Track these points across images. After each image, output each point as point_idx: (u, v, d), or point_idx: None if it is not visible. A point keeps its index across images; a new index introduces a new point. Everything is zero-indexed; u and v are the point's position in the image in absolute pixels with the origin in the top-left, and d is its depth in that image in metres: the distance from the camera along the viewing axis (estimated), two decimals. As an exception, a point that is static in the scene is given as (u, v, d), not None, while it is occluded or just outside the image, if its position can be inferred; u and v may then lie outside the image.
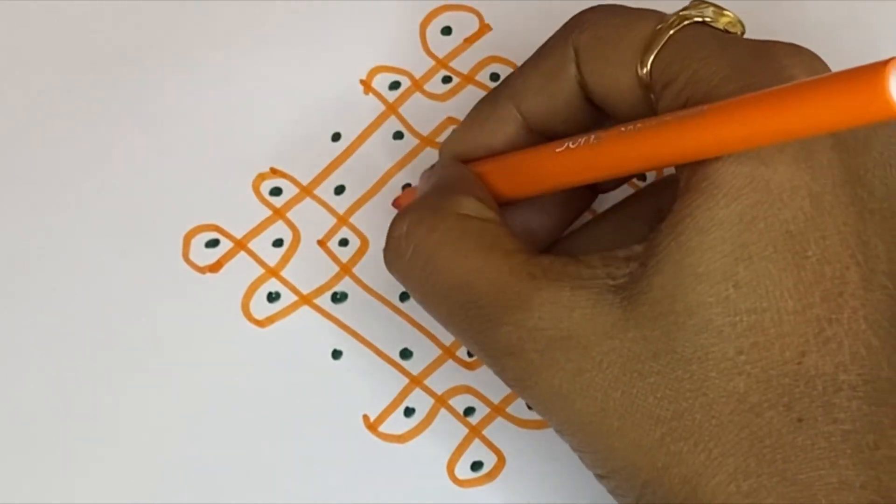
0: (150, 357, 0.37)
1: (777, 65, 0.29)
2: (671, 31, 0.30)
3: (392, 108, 0.41)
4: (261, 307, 0.38)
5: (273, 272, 0.39)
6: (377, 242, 0.39)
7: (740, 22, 0.31)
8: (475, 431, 0.37)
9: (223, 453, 0.36)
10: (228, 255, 0.39)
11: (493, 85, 0.41)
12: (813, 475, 0.27)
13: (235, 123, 0.41)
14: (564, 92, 0.33)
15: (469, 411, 0.37)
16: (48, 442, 0.36)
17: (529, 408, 0.37)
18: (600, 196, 0.37)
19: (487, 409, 0.37)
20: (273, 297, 0.38)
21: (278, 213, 0.39)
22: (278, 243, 0.39)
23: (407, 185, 0.39)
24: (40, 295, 0.38)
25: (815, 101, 0.25)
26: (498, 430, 0.36)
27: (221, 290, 0.38)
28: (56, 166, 0.40)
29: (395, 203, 0.39)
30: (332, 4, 0.42)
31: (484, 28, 0.42)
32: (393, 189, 0.40)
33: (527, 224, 0.35)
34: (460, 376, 0.37)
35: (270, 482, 0.36)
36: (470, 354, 0.37)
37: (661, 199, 0.30)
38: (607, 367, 0.28)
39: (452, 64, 0.41)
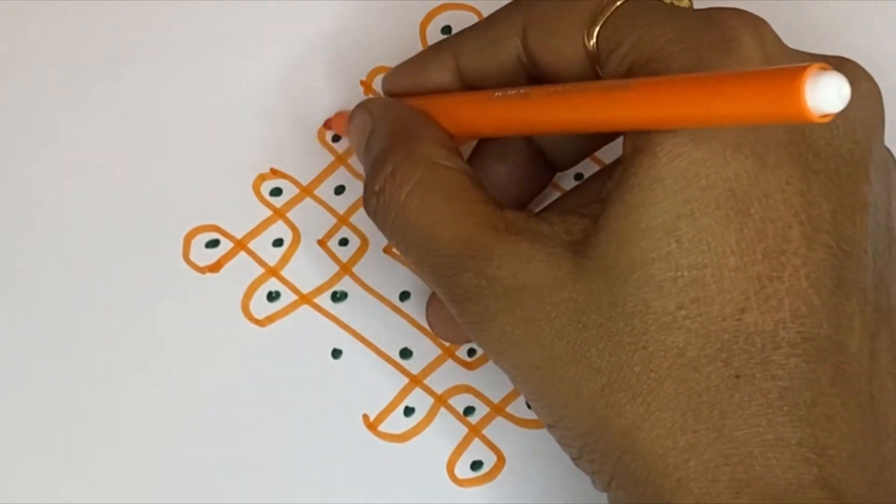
0: (151, 357, 0.37)
1: (722, 27, 0.29)
2: (618, 3, 0.31)
3: (392, 109, 0.41)
4: (261, 306, 0.38)
5: (273, 272, 0.39)
6: (377, 242, 0.39)
7: (690, 1, 0.32)
8: (475, 431, 0.36)
9: (223, 453, 0.36)
10: (228, 256, 0.39)
11: (492, 85, 0.41)
12: (749, 431, 0.27)
13: (235, 123, 0.41)
14: (502, 59, 0.33)
15: (469, 411, 0.37)
16: (48, 442, 0.36)
17: (528, 407, 0.37)
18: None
19: (487, 409, 0.37)
20: (273, 296, 0.38)
21: (278, 214, 0.39)
22: (278, 243, 0.39)
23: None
24: (40, 295, 0.38)
25: (735, 94, 0.25)
26: (498, 430, 0.36)
27: (221, 289, 0.38)
28: (56, 165, 0.40)
29: (326, 124, 0.40)
30: (332, 4, 0.42)
31: (484, 28, 0.42)
32: (393, 190, 0.40)
33: (489, 178, 0.36)
34: (460, 376, 0.37)
35: (270, 482, 0.36)
36: (470, 354, 0.37)
37: None
38: (556, 317, 0.29)
39: (452, 64, 0.41)
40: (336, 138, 0.40)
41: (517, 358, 0.30)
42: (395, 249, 0.33)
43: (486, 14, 0.41)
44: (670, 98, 0.27)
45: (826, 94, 0.23)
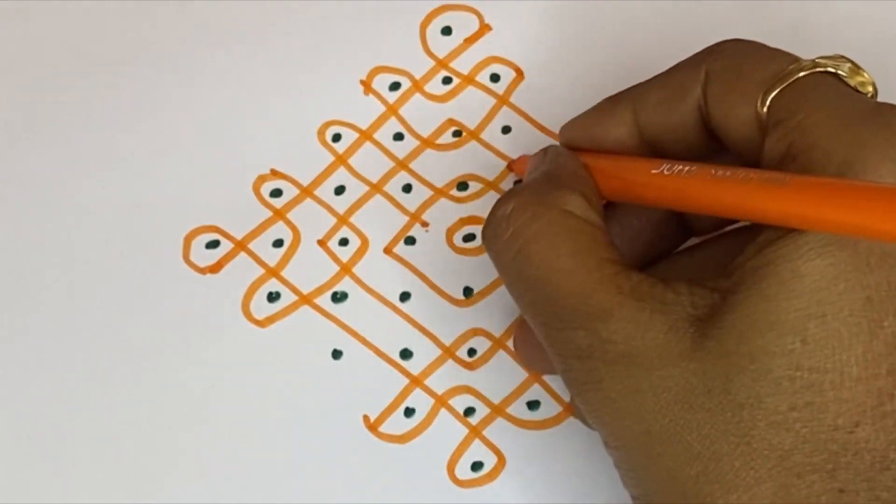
0: (151, 357, 0.37)
1: (889, 130, 0.28)
2: (800, 74, 0.29)
3: (392, 110, 0.41)
4: (261, 307, 0.38)
5: (273, 272, 0.38)
6: (377, 242, 0.39)
7: (873, 84, 0.31)
8: (475, 432, 0.36)
9: (223, 454, 0.36)
10: (229, 256, 0.39)
11: (493, 86, 0.41)
12: None
13: (235, 124, 0.40)
14: (683, 112, 0.32)
15: (469, 411, 0.36)
16: (48, 442, 0.36)
17: (530, 408, 0.36)
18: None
19: (488, 410, 0.36)
20: (273, 296, 0.38)
21: (278, 214, 0.39)
22: (278, 244, 0.39)
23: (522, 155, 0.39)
24: (40, 296, 0.38)
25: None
26: (498, 431, 0.36)
27: (222, 290, 0.38)
28: (56, 166, 0.40)
29: (510, 166, 0.39)
30: (332, 4, 0.42)
31: (484, 28, 0.42)
32: (393, 189, 0.39)
33: (623, 232, 0.34)
34: (460, 376, 0.37)
35: (270, 482, 0.35)
36: (470, 354, 0.37)
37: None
38: (662, 392, 0.28)
39: (452, 64, 0.41)
40: (336, 138, 0.40)
41: (616, 426, 0.29)
42: (507, 288, 0.32)
43: (486, 15, 0.42)
44: (828, 204, 0.25)
45: None
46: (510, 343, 0.37)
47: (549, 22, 0.42)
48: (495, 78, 0.41)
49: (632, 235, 0.34)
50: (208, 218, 0.39)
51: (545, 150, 0.35)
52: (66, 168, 0.40)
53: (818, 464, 0.26)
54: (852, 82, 0.30)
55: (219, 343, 0.37)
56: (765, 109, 0.29)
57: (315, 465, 0.36)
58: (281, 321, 0.38)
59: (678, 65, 0.33)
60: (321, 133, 0.40)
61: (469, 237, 0.39)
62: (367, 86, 0.41)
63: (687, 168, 0.30)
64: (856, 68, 0.30)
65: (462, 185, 0.40)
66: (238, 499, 0.35)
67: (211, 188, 0.39)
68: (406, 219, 0.39)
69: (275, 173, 0.40)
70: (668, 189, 0.30)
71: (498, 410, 0.36)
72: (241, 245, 0.39)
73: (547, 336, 0.30)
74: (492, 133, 0.40)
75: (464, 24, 0.42)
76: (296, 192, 0.39)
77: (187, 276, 0.38)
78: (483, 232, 0.32)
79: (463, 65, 0.41)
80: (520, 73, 0.41)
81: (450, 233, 0.39)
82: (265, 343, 0.37)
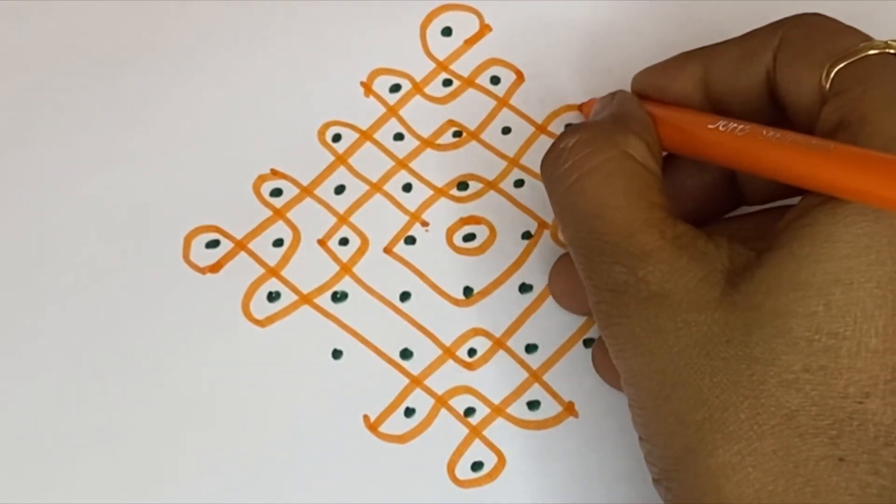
0: (151, 357, 0.37)
1: None
2: (868, 52, 0.30)
3: (393, 111, 0.41)
4: (261, 307, 0.38)
5: (273, 272, 0.38)
6: (377, 242, 0.39)
7: None
8: (475, 432, 0.36)
9: (223, 453, 0.36)
10: (229, 256, 0.39)
11: (493, 88, 0.41)
12: None
13: (235, 124, 0.40)
14: (752, 74, 0.32)
15: (469, 412, 0.36)
16: (48, 441, 0.36)
17: (530, 408, 0.36)
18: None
19: (488, 410, 0.36)
20: (273, 296, 0.38)
21: (278, 214, 0.39)
22: (278, 243, 0.39)
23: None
24: (41, 295, 0.38)
25: None
26: (498, 431, 0.36)
27: (222, 290, 0.38)
28: (56, 166, 0.40)
29: (580, 107, 0.40)
30: (333, 5, 0.42)
31: (484, 29, 0.42)
32: (393, 188, 0.39)
33: (677, 190, 0.35)
34: (461, 376, 0.37)
35: (271, 482, 0.35)
36: (470, 354, 0.37)
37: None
38: (683, 335, 0.28)
39: (453, 66, 0.41)
40: (336, 138, 0.40)
41: (634, 361, 0.29)
42: (556, 216, 0.32)
43: (486, 15, 0.42)
44: (867, 175, 0.26)
45: None
46: (510, 343, 0.37)
47: (549, 22, 0.42)
48: (495, 80, 0.41)
49: (685, 194, 0.35)
50: (208, 217, 0.39)
51: (613, 94, 0.35)
52: (66, 168, 0.40)
53: (822, 428, 0.27)
54: None
55: (219, 343, 0.37)
56: (828, 81, 0.30)
57: (315, 465, 0.36)
58: (281, 321, 0.37)
59: (755, 30, 0.33)
60: (321, 133, 0.40)
61: (469, 237, 0.39)
62: (367, 87, 0.41)
63: (741, 127, 0.31)
64: None
65: (462, 185, 0.40)
66: (238, 499, 0.35)
67: (211, 187, 0.39)
68: (406, 218, 0.39)
69: (275, 173, 0.40)
70: (721, 145, 0.31)
71: (498, 410, 0.36)
72: (241, 245, 0.39)
73: (586, 267, 0.31)
74: (492, 133, 0.40)
75: (464, 25, 0.42)
76: (296, 191, 0.39)
77: (187, 275, 0.38)
78: (543, 161, 0.33)
79: (463, 67, 0.41)
80: (520, 76, 0.41)
81: (450, 232, 0.39)
82: (265, 343, 0.37)
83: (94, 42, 0.42)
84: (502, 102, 0.41)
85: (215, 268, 0.38)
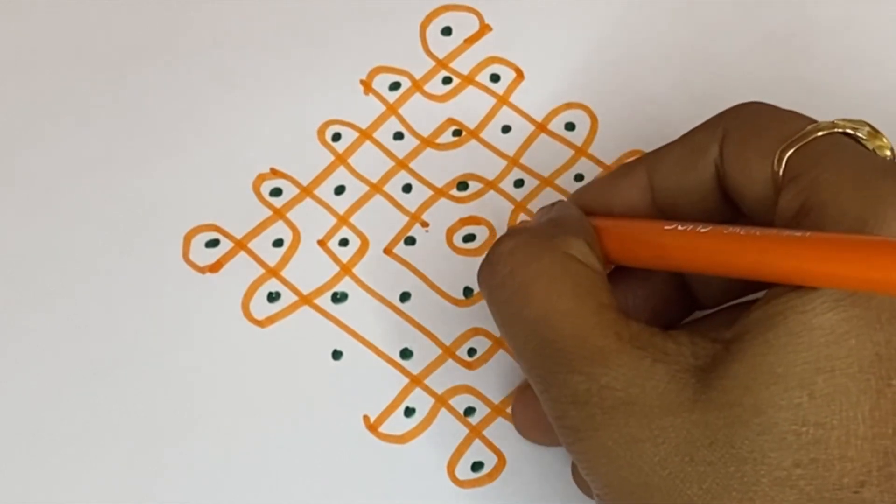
0: (150, 357, 0.37)
1: None
2: (818, 133, 0.29)
3: (392, 109, 0.41)
4: (261, 307, 0.38)
5: (273, 272, 0.38)
6: (377, 242, 0.39)
7: (892, 149, 0.30)
8: (475, 432, 0.36)
9: (223, 453, 0.36)
10: (228, 256, 0.38)
11: (493, 86, 0.41)
12: None
13: (235, 123, 0.40)
14: (700, 170, 0.31)
15: (469, 411, 0.36)
16: (48, 441, 0.36)
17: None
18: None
19: (488, 410, 0.36)
20: (273, 297, 0.38)
21: (278, 214, 0.39)
22: (278, 243, 0.39)
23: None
24: (40, 295, 0.38)
25: None
26: (498, 431, 0.36)
27: (221, 290, 0.38)
28: (56, 165, 0.40)
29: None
30: (333, 5, 0.42)
31: (484, 28, 0.41)
32: (393, 188, 0.39)
33: (627, 299, 0.33)
34: (460, 376, 0.37)
35: (271, 483, 0.35)
36: (470, 354, 0.37)
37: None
38: (662, 443, 0.27)
39: (453, 65, 0.41)
40: (336, 137, 0.40)
41: (611, 477, 0.27)
42: (500, 331, 0.31)
43: (486, 15, 0.42)
44: (843, 259, 0.25)
45: None
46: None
47: (549, 22, 0.42)
48: (495, 78, 0.41)
49: (636, 303, 0.33)
50: (208, 216, 0.39)
51: (552, 204, 0.34)
52: (66, 168, 0.40)
53: None
54: (871, 145, 0.29)
55: (219, 343, 0.37)
56: (781, 168, 0.29)
57: (315, 466, 0.35)
58: (281, 321, 0.37)
59: (696, 128, 0.32)
60: (321, 132, 0.40)
61: (469, 237, 0.39)
62: (367, 86, 0.41)
63: (701, 226, 0.29)
64: (874, 132, 0.30)
65: (462, 185, 0.39)
66: (238, 499, 0.35)
67: (211, 186, 0.39)
68: (406, 219, 0.39)
69: (275, 172, 0.40)
70: (680, 247, 0.30)
71: (498, 410, 0.36)
72: (240, 244, 0.39)
73: (542, 380, 0.29)
74: (492, 132, 0.40)
75: (464, 25, 0.42)
76: (296, 191, 0.39)
77: (187, 275, 0.38)
78: (480, 271, 0.32)
79: (463, 65, 0.41)
80: (520, 74, 0.41)
81: (450, 233, 0.39)
82: (265, 343, 0.37)
83: (94, 42, 0.41)
84: (502, 100, 0.41)
85: (215, 267, 0.38)
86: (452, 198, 0.39)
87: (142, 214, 0.39)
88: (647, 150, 0.39)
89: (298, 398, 0.36)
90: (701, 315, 0.32)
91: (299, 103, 0.40)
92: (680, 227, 0.30)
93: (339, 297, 0.38)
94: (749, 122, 0.31)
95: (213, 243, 0.39)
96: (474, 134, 0.40)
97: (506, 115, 0.40)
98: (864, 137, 0.30)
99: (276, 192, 0.39)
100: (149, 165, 0.40)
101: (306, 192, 0.39)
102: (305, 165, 0.40)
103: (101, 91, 0.41)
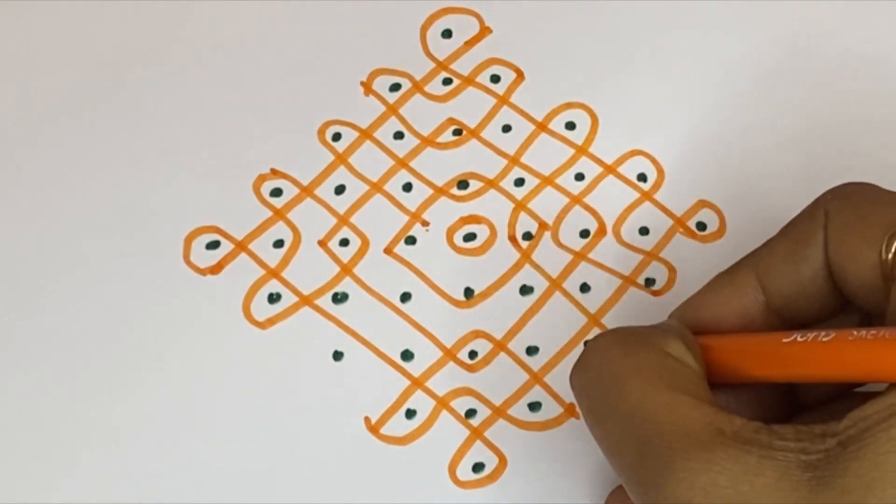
0: (151, 359, 0.37)
1: None
2: None
3: (392, 109, 0.41)
4: (262, 308, 0.38)
5: (274, 273, 0.38)
6: (377, 242, 0.39)
7: None
8: (476, 433, 0.36)
9: (224, 455, 0.36)
10: (229, 257, 0.38)
11: (493, 87, 0.41)
12: None
13: (236, 123, 0.40)
14: (811, 262, 0.30)
15: (470, 413, 0.36)
16: (48, 442, 0.36)
17: (531, 409, 0.36)
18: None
19: (489, 411, 0.36)
20: (274, 298, 0.38)
21: (279, 214, 0.39)
22: (279, 244, 0.39)
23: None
24: (41, 296, 0.38)
25: None
26: (499, 432, 0.36)
27: (222, 291, 0.38)
28: (57, 166, 0.40)
29: None
30: (333, 6, 0.42)
31: (484, 30, 0.41)
32: (393, 188, 0.39)
33: (726, 403, 0.31)
34: (462, 378, 0.37)
35: (271, 484, 0.35)
36: (471, 357, 0.37)
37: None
38: None
39: (453, 66, 0.41)
40: (336, 137, 0.40)
41: None
42: (592, 429, 0.29)
43: (486, 17, 0.42)
44: None
45: None
46: (511, 345, 0.37)
47: (548, 23, 0.41)
48: (495, 79, 0.41)
49: (738, 408, 0.31)
50: (209, 218, 0.39)
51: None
52: (66, 168, 0.40)
53: None
54: None
55: (220, 345, 0.37)
56: (891, 255, 0.28)
57: (316, 467, 0.35)
58: (282, 323, 0.37)
59: (795, 218, 0.31)
60: (321, 132, 0.40)
61: (469, 237, 0.39)
62: (367, 87, 0.41)
63: (823, 333, 0.27)
64: None
65: (462, 184, 0.39)
66: (239, 500, 0.35)
67: (211, 187, 0.39)
68: (406, 218, 0.39)
69: (275, 172, 0.40)
70: (803, 360, 0.28)
71: (499, 412, 0.36)
72: (241, 246, 0.39)
73: (637, 483, 0.27)
74: (492, 132, 0.40)
75: (464, 27, 0.41)
76: (296, 191, 0.39)
77: (188, 277, 0.38)
78: (574, 368, 0.30)
79: (463, 66, 0.41)
80: (520, 74, 0.41)
81: (450, 232, 0.39)
82: (266, 345, 0.37)
83: (94, 43, 0.41)
84: (502, 100, 0.41)
85: (216, 269, 0.38)
86: (453, 197, 0.39)
87: (142, 216, 0.39)
88: (647, 149, 0.40)
89: (299, 400, 0.36)
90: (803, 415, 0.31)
91: (299, 104, 0.40)
92: (800, 339, 0.28)
93: (339, 298, 0.38)
94: (851, 204, 0.29)
95: (213, 245, 0.38)
96: (474, 133, 0.40)
97: (506, 115, 0.40)
98: None
99: (277, 192, 0.39)
100: (149, 166, 0.40)
101: (307, 191, 0.39)
102: (306, 165, 0.40)
103: (101, 91, 0.41)
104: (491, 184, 0.39)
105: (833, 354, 0.27)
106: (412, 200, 0.39)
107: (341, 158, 0.40)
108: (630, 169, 0.39)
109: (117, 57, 0.41)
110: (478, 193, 0.39)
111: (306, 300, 0.38)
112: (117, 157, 0.40)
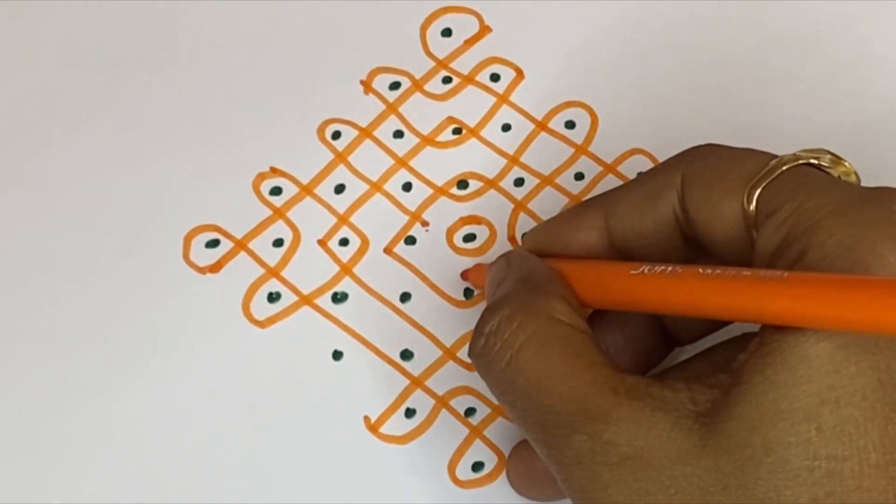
0: (151, 358, 0.37)
1: (889, 206, 0.27)
2: (783, 168, 0.29)
3: (392, 108, 0.41)
4: (261, 308, 0.38)
5: (273, 272, 0.38)
6: (377, 242, 0.39)
7: (856, 173, 0.30)
8: (476, 432, 0.36)
9: (223, 454, 0.36)
10: (229, 256, 0.38)
11: (493, 85, 0.41)
12: None
13: (235, 122, 0.40)
14: (657, 215, 0.31)
15: (470, 412, 0.36)
16: (48, 442, 0.36)
17: None
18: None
19: (488, 410, 0.36)
20: (273, 297, 0.38)
21: (278, 213, 0.39)
22: (278, 243, 0.39)
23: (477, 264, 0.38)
24: (40, 295, 0.38)
25: None
26: (499, 431, 0.36)
27: (222, 290, 0.38)
28: (56, 166, 0.40)
29: (464, 275, 0.37)
30: (333, 5, 0.42)
31: (484, 29, 0.41)
32: (393, 187, 0.39)
33: (606, 349, 0.32)
34: (461, 377, 0.37)
35: (271, 484, 0.35)
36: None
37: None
38: (675, 493, 0.26)
39: (453, 65, 0.41)
40: (336, 135, 0.40)
41: None
42: (499, 401, 0.31)
43: (486, 16, 0.42)
44: (829, 300, 0.25)
45: None
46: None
47: (548, 23, 0.41)
48: (495, 77, 0.41)
49: (617, 350, 0.33)
50: (208, 216, 0.39)
51: (506, 257, 0.34)
52: (66, 167, 0.39)
53: None
54: (835, 172, 0.30)
55: (219, 344, 0.37)
56: (752, 205, 0.29)
57: (316, 467, 0.35)
58: (281, 322, 0.37)
59: (651, 169, 0.32)
60: (321, 130, 0.40)
61: (469, 237, 0.39)
62: (367, 86, 0.41)
63: (670, 268, 0.29)
64: (837, 159, 0.30)
65: (462, 184, 0.39)
66: (238, 499, 0.35)
67: (211, 186, 0.39)
68: (406, 218, 0.39)
69: (275, 171, 0.40)
70: (651, 291, 0.29)
71: (498, 411, 0.36)
72: (241, 244, 0.39)
73: (545, 446, 0.29)
74: (492, 131, 0.40)
75: (464, 26, 0.41)
76: (296, 190, 0.39)
77: (187, 275, 0.38)
78: (470, 351, 0.31)
79: (463, 65, 0.41)
80: (520, 73, 0.41)
81: (450, 232, 0.39)
82: (265, 344, 0.37)
83: (94, 43, 0.41)
84: (502, 99, 0.41)
85: (215, 268, 0.38)
86: (452, 196, 0.39)
87: (142, 215, 0.39)
88: (648, 148, 0.40)
89: (299, 399, 0.36)
90: (690, 357, 0.31)
91: (299, 102, 0.40)
92: (647, 271, 0.29)
93: (339, 298, 0.38)
94: (709, 164, 0.30)
95: (213, 243, 0.38)
96: (474, 132, 0.40)
97: (506, 114, 0.40)
98: (828, 165, 0.30)
99: (276, 190, 0.39)
100: (149, 165, 0.40)
101: (306, 190, 0.39)
102: (305, 163, 0.40)
103: (101, 91, 0.41)
104: (491, 184, 0.39)
105: (683, 291, 0.28)
106: (412, 200, 0.39)
107: (341, 157, 0.40)
108: (630, 168, 0.39)
109: (117, 56, 0.41)
110: (478, 193, 0.39)
111: (306, 299, 0.38)
112: (117, 155, 0.40)
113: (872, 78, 0.40)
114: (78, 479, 0.36)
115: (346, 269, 0.38)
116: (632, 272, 0.30)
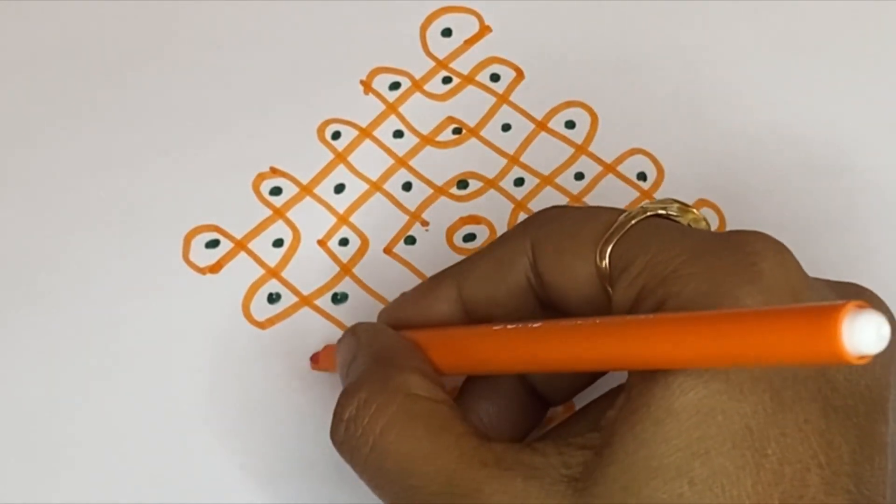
0: (150, 359, 0.37)
1: (742, 251, 0.27)
2: (632, 222, 0.29)
3: (392, 108, 0.41)
4: (261, 308, 0.37)
5: (273, 273, 0.38)
6: (377, 242, 0.38)
7: (705, 219, 0.30)
8: (476, 432, 0.36)
9: (223, 455, 0.35)
10: (229, 256, 0.38)
11: (493, 85, 0.41)
12: None
13: (235, 123, 0.40)
14: (510, 283, 0.31)
15: (470, 413, 0.36)
16: (47, 442, 0.36)
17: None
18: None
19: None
20: (273, 298, 0.38)
21: (278, 213, 0.39)
22: (278, 243, 0.39)
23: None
24: (40, 295, 0.38)
25: (763, 335, 0.22)
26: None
27: (222, 291, 0.38)
28: (56, 166, 0.40)
29: (313, 359, 0.37)
30: (333, 5, 0.42)
31: (484, 29, 0.41)
32: (393, 187, 0.39)
33: (482, 420, 0.33)
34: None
35: (271, 484, 0.35)
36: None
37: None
38: None
39: (453, 65, 0.41)
40: (336, 136, 0.40)
41: None
42: (368, 487, 0.30)
43: (486, 16, 0.42)
44: (692, 339, 0.24)
45: (865, 335, 0.21)
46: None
47: (548, 22, 0.42)
48: (495, 77, 0.41)
49: (492, 420, 0.33)
50: (208, 216, 0.39)
51: (354, 332, 0.33)
52: (66, 168, 0.39)
53: None
54: (684, 221, 0.30)
55: (218, 344, 0.37)
56: (605, 262, 0.29)
57: (316, 467, 0.35)
58: (281, 323, 0.37)
59: (500, 237, 0.32)
60: (321, 131, 0.40)
61: (469, 237, 0.39)
62: (366, 86, 0.41)
63: (531, 323, 0.29)
64: (685, 207, 0.30)
65: (462, 184, 0.39)
66: (238, 499, 0.35)
67: (210, 186, 0.39)
68: (406, 218, 0.39)
69: (274, 171, 0.40)
70: (514, 348, 0.29)
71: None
72: (240, 244, 0.39)
73: None
74: (492, 130, 0.40)
75: (464, 26, 0.42)
76: (296, 190, 0.39)
77: (187, 275, 0.38)
78: (332, 437, 0.31)
79: (463, 65, 0.41)
80: (520, 73, 0.41)
81: (450, 232, 0.39)
82: (265, 344, 0.37)
83: (94, 43, 0.41)
84: (502, 99, 0.41)
85: (215, 268, 0.38)
86: (452, 196, 0.39)
87: (141, 215, 0.39)
88: (648, 148, 0.40)
89: (299, 400, 0.36)
90: (567, 417, 0.31)
91: (299, 103, 0.40)
92: (509, 326, 0.29)
93: (339, 298, 0.38)
94: (558, 226, 0.30)
95: (213, 244, 0.38)
96: (474, 132, 0.40)
97: (506, 114, 0.40)
98: (676, 214, 0.30)
99: (276, 190, 0.39)
100: (149, 165, 0.40)
101: (306, 190, 0.39)
102: (305, 163, 0.40)
103: (100, 91, 0.41)
104: (491, 183, 0.39)
105: (543, 342, 0.28)
106: (412, 200, 0.39)
107: (341, 157, 0.40)
108: (630, 168, 0.39)
109: (117, 56, 0.41)
110: (478, 193, 0.39)
111: (306, 300, 0.38)
112: (117, 155, 0.40)
113: (872, 78, 0.40)
114: (78, 479, 0.35)
115: (346, 270, 0.38)
116: (494, 328, 0.30)
